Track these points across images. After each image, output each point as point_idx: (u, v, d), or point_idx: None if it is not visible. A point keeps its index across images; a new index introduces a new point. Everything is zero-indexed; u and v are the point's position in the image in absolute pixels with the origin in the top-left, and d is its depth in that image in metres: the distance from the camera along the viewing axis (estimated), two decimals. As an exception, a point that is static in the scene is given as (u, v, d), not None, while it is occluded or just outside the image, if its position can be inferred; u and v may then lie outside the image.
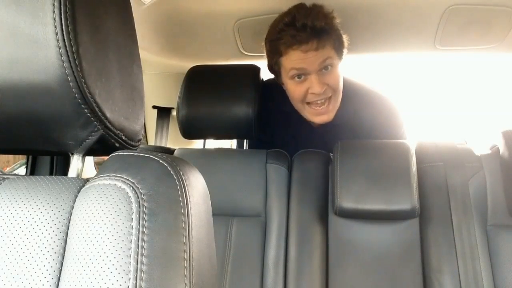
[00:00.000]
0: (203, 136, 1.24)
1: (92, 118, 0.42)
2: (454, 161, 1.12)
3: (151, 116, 1.62)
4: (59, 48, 0.38)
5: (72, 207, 0.41)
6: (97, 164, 1.50)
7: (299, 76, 1.14)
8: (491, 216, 1.05)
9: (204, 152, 1.23)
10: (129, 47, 0.48)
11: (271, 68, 1.19)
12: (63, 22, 0.38)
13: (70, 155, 0.48)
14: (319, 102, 1.16)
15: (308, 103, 1.17)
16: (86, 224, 0.39)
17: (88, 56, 0.40)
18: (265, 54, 1.19)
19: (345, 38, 1.16)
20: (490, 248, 1.03)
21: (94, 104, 0.41)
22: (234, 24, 1.29)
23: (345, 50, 1.17)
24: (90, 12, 0.41)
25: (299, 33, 1.07)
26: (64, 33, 0.38)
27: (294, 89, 1.17)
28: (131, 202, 0.40)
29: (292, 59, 1.12)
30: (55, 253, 0.40)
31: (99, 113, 0.42)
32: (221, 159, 1.18)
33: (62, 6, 0.38)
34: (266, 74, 1.25)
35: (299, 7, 1.11)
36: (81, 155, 0.48)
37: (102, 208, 0.39)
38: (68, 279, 0.38)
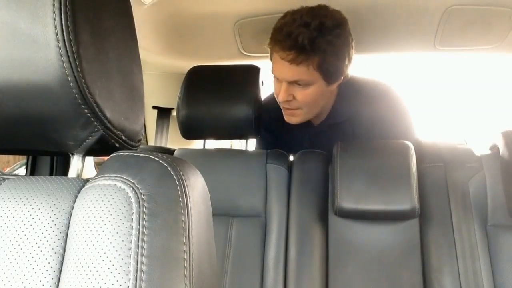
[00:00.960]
0: (203, 136, 1.24)
1: (92, 118, 0.42)
2: (454, 161, 1.12)
3: (151, 116, 1.62)
4: (59, 48, 0.38)
5: (72, 207, 0.41)
6: (97, 164, 1.50)
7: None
8: (491, 216, 1.05)
9: (204, 152, 1.23)
10: (129, 47, 0.48)
11: (270, 55, 1.16)
12: (63, 22, 0.38)
13: (70, 155, 0.48)
14: (285, 106, 1.17)
15: (281, 104, 1.18)
16: (86, 224, 0.39)
17: (88, 56, 0.40)
18: (265, 54, 1.19)
19: (346, 64, 1.10)
20: (490, 248, 1.03)
21: (94, 104, 0.41)
22: (234, 24, 1.29)
23: (343, 71, 1.11)
24: (90, 12, 0.41)
25: (283, 39, 1.05)
26: (64, 33, 0.38)
27: (274, 85, 1.18)
28: (131, 202, 0.40)
29: (274, 61, 1.12)
30: (55, 253, 0.40)
31: (99, 113, 0.42)
32: (221, 159, 1.18)
33: (62, 6, 0.38)
34: (266, 74, 1.25)
35: (306, 12, 1.06)
36: (81, 155, 0.48)
37: (102, 209, 0.39)
38: (68, 279, 0.38)
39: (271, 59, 1.15)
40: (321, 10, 1.08)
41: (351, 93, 1.24)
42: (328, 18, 1.05)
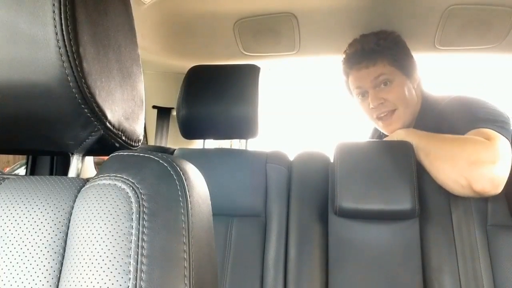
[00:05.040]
0: (203, 136, 1.24)
1: (92, 118, 0.42)
2: None
3: (151, 116, 1.62)
4: (59, 48, 0.38)
5: (72, 207, 0.41)
6: (97, 164, 1.50)
7: (362, 94, 1.23)
8: (491, 216, 1.05)
9: (204, 152, 1.22)
10: (129, 47, 0.48)
11: (348, 89, 1.30)
12: (63, 22, 0.38)
13: (70, 155, 0.48)
14: (382, 115, 1.22)
15: (378, 118, 1.23)
16: (86, 224, 0.39)
17: (88, 56, 0.40)
18: (265, 54, 1.20)
19: (415, 63, 1.22)
20: (490, 248, 1.03)
21: (94, 104, 0.41)
22: (234, 24, 1.29)
23: (415, 68, 1.22)
24: (90, 12, 0.41)
25: (353, 56, 1.21)
26: (64, 33, 0.38)
27: (361, 106, 1.27)
28: (131, 202, 0.40)
29: (352, 79, 1.24)
30: (55, 253, 0.40)
31: (99, 113, 0.42)
32: (221, 159, 1.18)
33: (62, 6, 0.38)
34: (266, 74, 1.25)
35: (363, 35, 1.25)
36: (81, 155, 0.48)
37: (102, 208, 0.39)
38: (68, 279, 0.38)
39: (349, 88, 1.28)
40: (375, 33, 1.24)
41: (430, 108, 1.22)
42: (382, 32, 1.23)
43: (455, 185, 0.99)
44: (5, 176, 0.46)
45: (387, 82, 1.19)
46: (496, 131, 1.00)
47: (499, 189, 0.95)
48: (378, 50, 1.19)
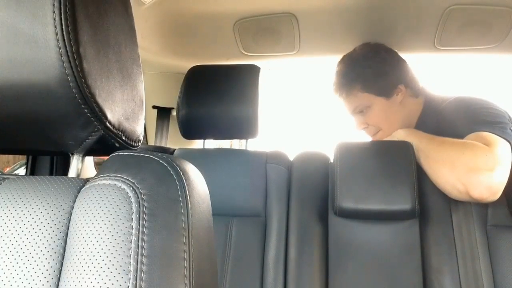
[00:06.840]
0: (203, 136, 1.24)
1: (92, 118, 0.42)
2: None
3: (151, 116, 1.62)
4: (59, 48, 0.38)
5: (72, 207, 0.41)
6: (97, 164, 1.50)
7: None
8: (491, 216, 1.05)
9: (204, 152, 1.22)
10: (129, 47, 0.48)
11: None
12: (63, 22, 0.38)
13: (70, 155, 0.48)
14: (369, 134, 1.28)
15: (366, 134, 1.29)
16: (86, 224, 0.39)
17: (88, 56, 0.40)
18: (265, 54, 1.20)
19: (393, 76, 1.19)
20: (490, 248, 1.03)
21: (94, 104, 0.41)
22: (234, 24, 1.29)
23: (397, 80, 1.21)
24: (90, 12, 0.41)
25: (333, 87, 1.27)
26: (64, 33, 0.38)
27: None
28: (131, 202, 0.40)
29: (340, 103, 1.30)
30: (55, 253, 0.40)
31: (99, 113, 0.42)
32: (221, 159, 1.18)
33: (62, 6, 0.38)
34: (266, 74, 1.25)
35: (341, 60, 1.27)
36: (81, 155, 0.48)
37: (102, 208, 0.39)
38: (68, 279, 0.38)
39: None
40: (354, 50, 1.26)
41: (432, 109, 1.22)
42: (354, 52, 1.24)
43: (453, 190, 0.99)
44: (5, 176, 0.46)
45: (364, 109, 1.23)
46: (496, 134, 1.00)
47: (497, 195, 0.95)
48: (348, 80, 1.22)
